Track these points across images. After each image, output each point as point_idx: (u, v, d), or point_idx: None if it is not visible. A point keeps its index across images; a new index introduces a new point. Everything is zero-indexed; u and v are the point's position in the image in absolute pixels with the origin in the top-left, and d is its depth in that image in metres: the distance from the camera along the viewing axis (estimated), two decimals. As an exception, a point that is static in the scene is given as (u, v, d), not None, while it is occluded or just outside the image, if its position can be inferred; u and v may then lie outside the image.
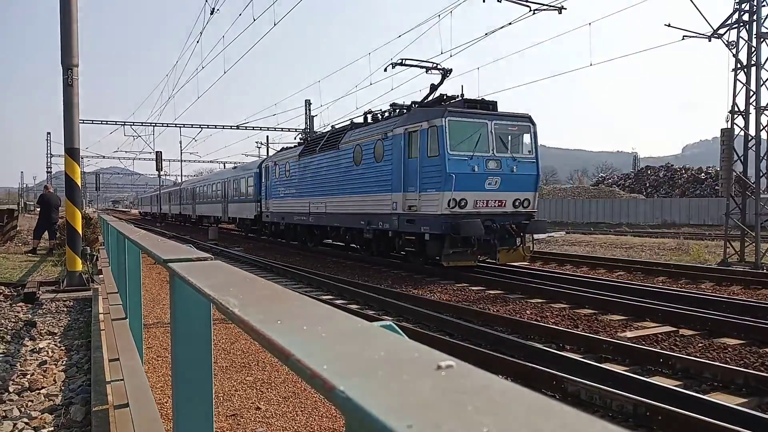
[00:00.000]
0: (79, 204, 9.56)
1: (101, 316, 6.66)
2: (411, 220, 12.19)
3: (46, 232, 16.49)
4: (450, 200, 11.23)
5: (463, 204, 11.36)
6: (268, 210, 21.41)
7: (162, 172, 45.12)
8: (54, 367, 5.29)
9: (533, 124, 12.36)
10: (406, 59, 14.50)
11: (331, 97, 39.83)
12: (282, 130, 41.04)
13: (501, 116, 12.12)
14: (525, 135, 12.38)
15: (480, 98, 12.80)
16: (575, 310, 8.58)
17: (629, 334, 7.05)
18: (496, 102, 12.56)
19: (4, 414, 4.10)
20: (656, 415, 4.15)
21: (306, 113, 39.30)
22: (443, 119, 11.35)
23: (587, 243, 21.48)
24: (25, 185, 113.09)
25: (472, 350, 6.12)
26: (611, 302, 8.57)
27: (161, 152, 41.81)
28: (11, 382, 4.86)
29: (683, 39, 14.88)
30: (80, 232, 9.52)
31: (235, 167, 31.98)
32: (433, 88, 14.07)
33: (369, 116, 15.57)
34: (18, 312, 7.62)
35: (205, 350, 1.48)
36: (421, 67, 14.54)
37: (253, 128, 41.60)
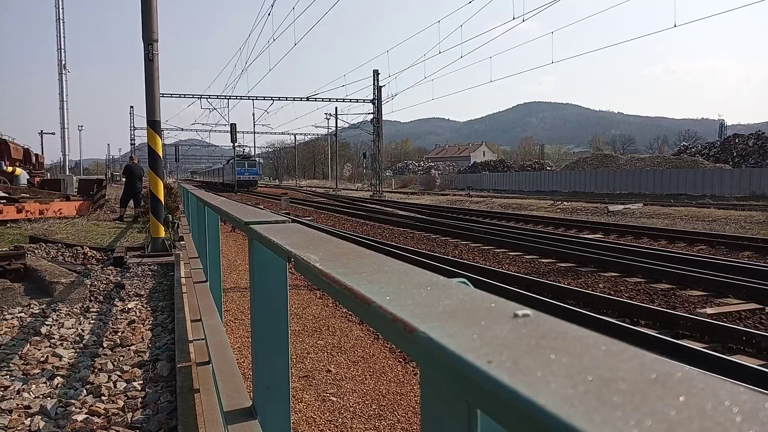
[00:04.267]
0: (161, 174, 10.05)
1: (183, 280, 7.04)
2: (235, 181, 48.51)
3: (131, 201, 17.50)
4: (238, 177, 49.00)
5: (242, 177, 50.06)
6: (224, 179, 55.22)
7: (236, 144, 46.64)
8: (141, 326, 5.68)
9: (258, 159, 61.33)
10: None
11: (399, 66, 39.61)
12: (351, 101, 41.26)
13: (249, 160, 53.65)
14: (255, 162, 54.70)
15: (248, 155, 59.03)
16: (651, 284, 8.28)
17: (709, 311, 6.74)
18: (253, 155, 63.72)
19: (100, 367, 4.46)
20: (737, 394, 3.99)
21: (374, 83, 39.29)
22: (233, 160, 51.37)
23: (666, 215, 20.52)
24: (111, 157, 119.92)
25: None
26: (691, 277, 8.21)
27: (235, 124, 43.06)
28: (105, 338, 5.27)
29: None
30: (162, 200, 10.04)
31: (229, 159, 62.74)
32: (245, 154, 61.06)
33: (235, 153, 53.91)
34: (109, 275, 8.18)
35: (282, 309, 1.56)
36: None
37: (323, 100, 42.07)
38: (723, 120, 73.46)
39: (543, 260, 10.64)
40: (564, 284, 8.24)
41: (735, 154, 44.92)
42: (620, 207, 23.39)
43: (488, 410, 0.39)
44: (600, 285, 8.40)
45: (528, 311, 0.46)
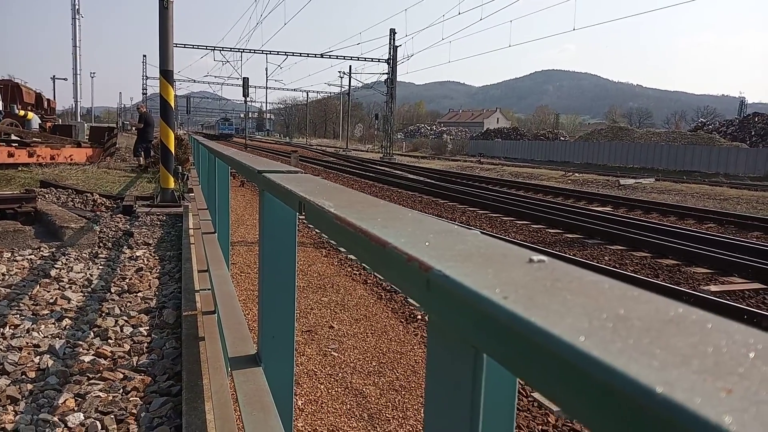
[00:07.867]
0: (172, 125, 10.03)
1: (191, 231, 7.11)
2: (219, 133, 77.78)
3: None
4: (220, 131, 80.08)
5: (223, 131, 78.62)
6: (216, 132, 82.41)
7: (248, 99, 46.23)
8: (149, 274, 5.77)
9: (234, 121, 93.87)
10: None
11: (417, 26, 38.88)
12: (365, 59, 40.69)
13: (228, 121, 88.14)
14: (233, 121, 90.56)
15: (228, 118, 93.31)
16: (657, 259, 8.28)
17: (713, 288, 6.75)
18: (231, 118, 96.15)
19: (107, 311, 4.55)
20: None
21: (390, 43, 38.65)
22: (221, 120, 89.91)
23: (678, 192, 20.36)
24: (122, 105, 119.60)
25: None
26: (697, 254, 8.19)
27: (248, 78, 42.56)
28: (113, 284, 5.36)
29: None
30: (173, 151, 10.05)
31: (218, 119, 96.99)
32: (226, 117, 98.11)
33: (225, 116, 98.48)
34: (118, 222, 8.27)
35: (290, 260, 1.57)
36: None
37: (337, 57, 41.51)
38: (744, 98, 71.86)
39: (550, 230, 10.64)
40: (569, 255, 8.26)
41: (753, 133, 44.18)
42: (632, 181, 23.21)
43: (495, 352, 0.40)
44: (605, 258, 8.40)
45: (543, 257, 0.46)
